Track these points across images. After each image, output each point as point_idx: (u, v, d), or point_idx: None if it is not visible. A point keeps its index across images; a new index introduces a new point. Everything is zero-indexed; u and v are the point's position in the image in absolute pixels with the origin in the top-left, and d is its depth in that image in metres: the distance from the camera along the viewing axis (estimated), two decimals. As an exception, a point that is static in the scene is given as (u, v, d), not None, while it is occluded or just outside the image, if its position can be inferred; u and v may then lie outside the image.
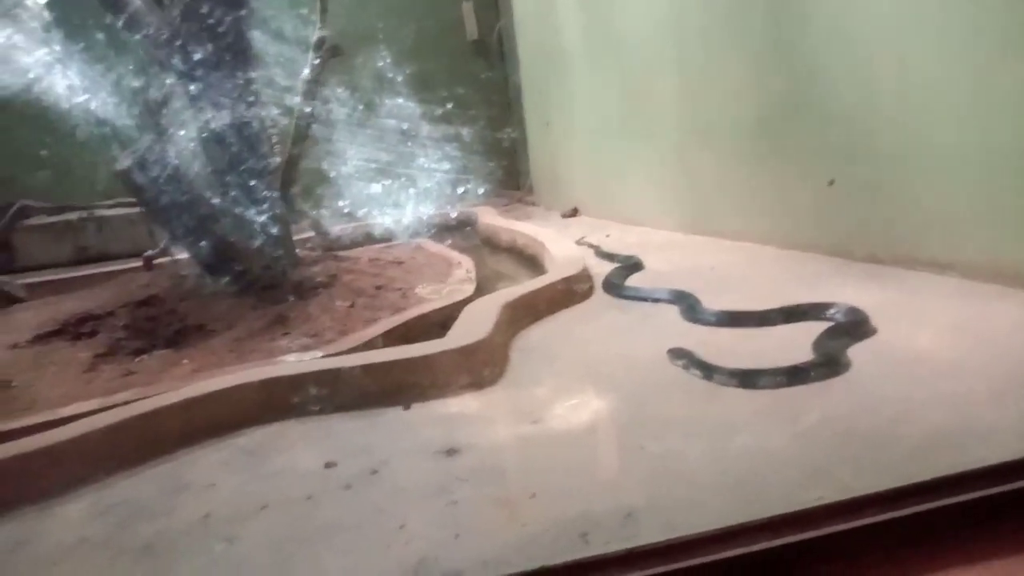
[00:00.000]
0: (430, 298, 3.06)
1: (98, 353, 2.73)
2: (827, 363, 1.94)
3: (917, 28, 2.50)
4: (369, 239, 4.52)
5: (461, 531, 1.40)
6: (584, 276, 3.07)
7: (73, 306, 3.34)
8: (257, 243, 3.15)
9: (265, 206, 3.15)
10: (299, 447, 1.90)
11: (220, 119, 2.99)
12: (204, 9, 3.01)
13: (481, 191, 4.84)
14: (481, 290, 3.16)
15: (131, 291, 3.40)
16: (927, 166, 2.54)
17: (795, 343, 2.13)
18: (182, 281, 3.37)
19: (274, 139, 3.50)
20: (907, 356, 2.00)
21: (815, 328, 2.21)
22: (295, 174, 3.76)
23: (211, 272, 3.17)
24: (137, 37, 3.02)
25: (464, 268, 3.58)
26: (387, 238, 4.35)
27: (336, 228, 4.52)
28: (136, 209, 4.51)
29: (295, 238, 3.69)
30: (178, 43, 2.97)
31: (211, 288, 3.14)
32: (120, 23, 3.05)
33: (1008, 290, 2.29)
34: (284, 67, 3.52)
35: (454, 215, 5.04)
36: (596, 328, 2.62)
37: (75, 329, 3.01)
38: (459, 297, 2.97)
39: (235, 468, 1.81)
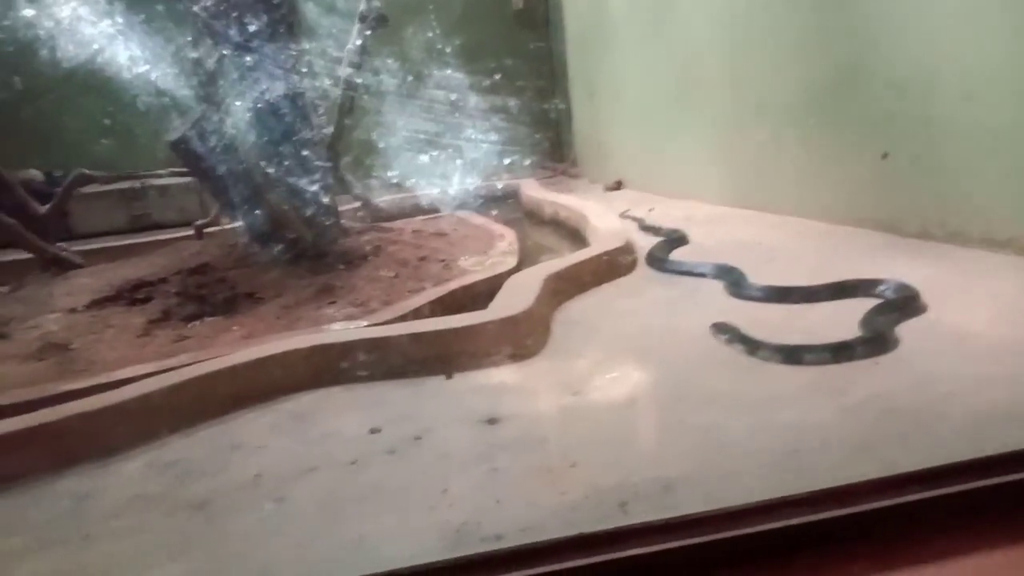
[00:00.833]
0: (472, 270, 3.08)
1: (152, 319, 2.82)
2: (874, 340, 1.91)
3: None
4: (413, 210, 4.56)
5: (502, 497, 1.43)
6: (627, 249, 3.05)
7: (128, 273, 3.44)
8: (309, 212, 3.20)
9: (316, 176, 3.19)
10: (345, 413, 1.94)
11: (273, 89, 3.03)
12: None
13: (525, 163, 4.83)
14: (523, 263, 3.17)
15: (183, 259, 3.50)
16: (986, 138, 2.45)
17: (843, 320, 2.10)
18: (232, 250, 3.45)
19: (320, 111, 3.54)
20: (958, 334, 1.95)
21: (863, 305, 2.17)
22: (342, 144, 3.80)
23: (261, 241, 3.24)
24: (194, 8, 3.07)
25: (507, 240, 3.59)
26: (430, 210, 4.38)
27: (380, 199, 4.57)
28: (188, 179, 4.61)
29: (340, 209, 3.74)
30: (233, 14, 3.01)
31: (261, 257, 3.21)
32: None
33: (1068, 269, 2.22)
34: (333, 38, 3.54)
35: (497, 187, 5.04)
36: (639, 302, 2.62)
37: (130, 295, 3.11)
38: (501, 269, 2.99)
39: (284, 431, 1.86)
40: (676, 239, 3.31)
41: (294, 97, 3.18)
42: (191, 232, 4.19)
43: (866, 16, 2.85)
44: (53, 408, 1.87)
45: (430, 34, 4.17)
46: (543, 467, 1.54)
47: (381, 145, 3.92)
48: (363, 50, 3.70)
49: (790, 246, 3.05)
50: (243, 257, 3.31)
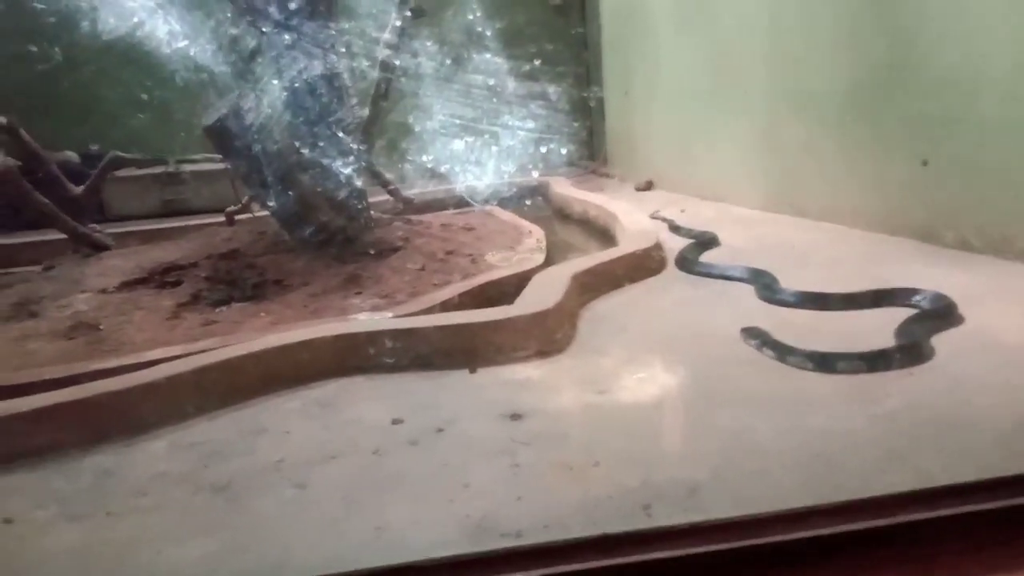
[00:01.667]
0: (499, 265, 3.07)
1: (181, 302, 2.85)
2: (910, 350, 1.87)
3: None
4: (442, 204, 4.55)
5: (523, 493, 1.42)
6: (656, 250, 3.02)
7: (158, 256, 3.48)
8: (341, 195, 3.19)
9: (350, 159, 3.19)
10: (368, 402, 1.94)
11: (311, 69, 3.01)
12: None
13: (560, 153, 4.79)
14: (551, 260, 3.15)
15: (214, 244, 3.53)
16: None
17: (877, 328, 2.06)
18: (262, 237, 3.47)
19: (353, 97, 3.52)
20: (994, 346, 1.91)
21: (899, 314, 2.12)
22: (376, 128, 3.78)
23: (291, 228, 3.25)
24: None
25: (534, 237, 3.57)
26: (460, 204, 4.37)
27: (410, 191, 4.57)
28: (220, 165, 4.64)
29: (371, 200, 3.74)
30: None
31: (291, 243, 3.22)
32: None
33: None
34: (372, 18, 3.52)
35: (527, 183, 5.02)
36: (667, 303, 2.59)
37: (160, 278, 3.14)
38: (529, 266, 2.97)
39: (308, 418, 1.87)
40: (707, 241, 3.27)
41: (331, 78, 3.16)
42: (222, 218, 4.22)
43: (906, 13, 2.78)
44: (82, 386, 1.90)
45: (458, 21, 4.11)
46: (565, 464, 1.53)
47: (416, 129, 3.88)
48: (401, 32, 3.67)
49: (825, 251, 3.00)
50: (273, 244, 3.33)
